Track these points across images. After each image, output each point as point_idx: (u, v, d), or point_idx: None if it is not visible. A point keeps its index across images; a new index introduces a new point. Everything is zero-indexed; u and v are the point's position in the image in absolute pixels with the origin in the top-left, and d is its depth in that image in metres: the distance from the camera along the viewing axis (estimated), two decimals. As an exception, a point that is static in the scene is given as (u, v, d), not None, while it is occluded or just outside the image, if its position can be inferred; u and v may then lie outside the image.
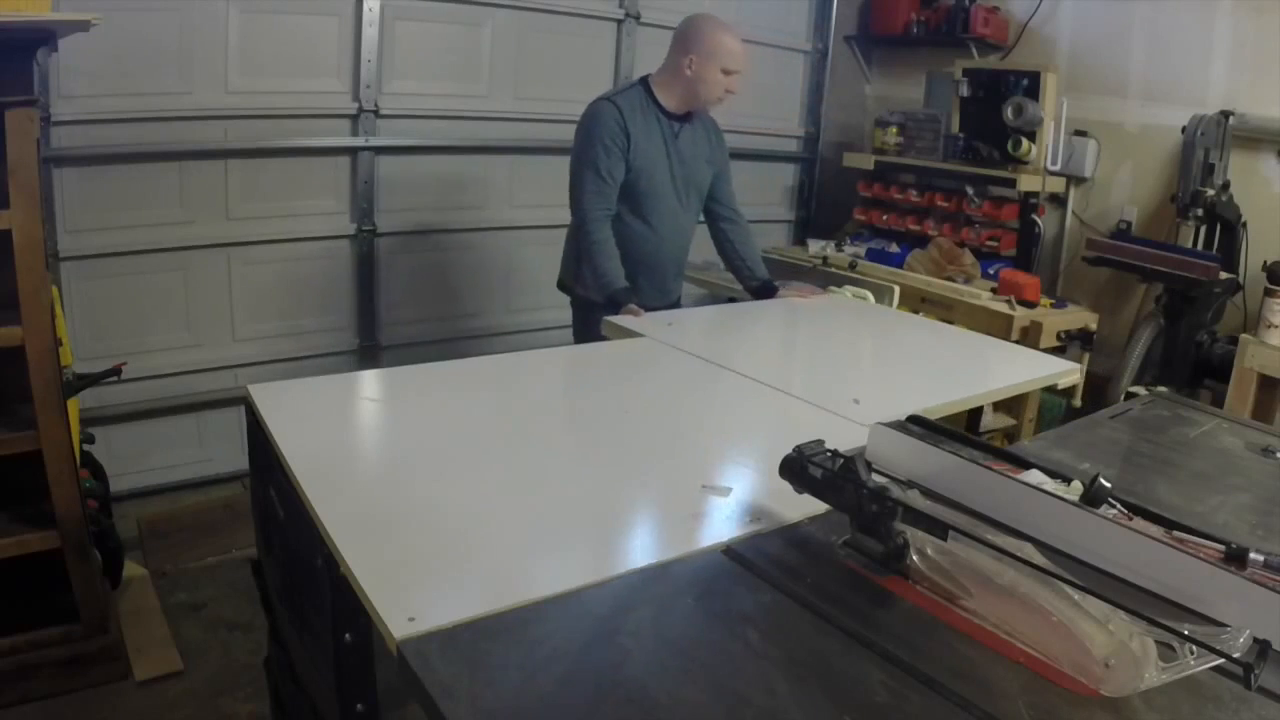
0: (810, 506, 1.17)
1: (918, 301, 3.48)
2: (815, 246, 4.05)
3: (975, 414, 2.42)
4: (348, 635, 1.09)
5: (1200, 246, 3.34)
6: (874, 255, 3.98)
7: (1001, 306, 3.35)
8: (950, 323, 3.15)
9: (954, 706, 0.85)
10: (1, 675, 2.03)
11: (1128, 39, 3.73)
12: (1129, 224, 3.75)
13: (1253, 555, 1.06)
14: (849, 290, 3.10)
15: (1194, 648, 0.83)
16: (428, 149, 3.53)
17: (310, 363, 3.40)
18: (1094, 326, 3.44)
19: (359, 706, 1.13)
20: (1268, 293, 2.92)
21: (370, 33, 3.24)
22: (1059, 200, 3.99)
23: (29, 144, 1.86)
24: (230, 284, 3.22)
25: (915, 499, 1.07)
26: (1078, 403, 3.24)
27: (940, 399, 1.82)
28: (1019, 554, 0.95)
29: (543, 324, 3.73)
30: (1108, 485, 1.16)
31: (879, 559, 1.04)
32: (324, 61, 3.23)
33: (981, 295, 3.44)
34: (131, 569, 2.60)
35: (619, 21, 3.88)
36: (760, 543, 1.14)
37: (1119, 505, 1.17)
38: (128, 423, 3.09)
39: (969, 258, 3.72)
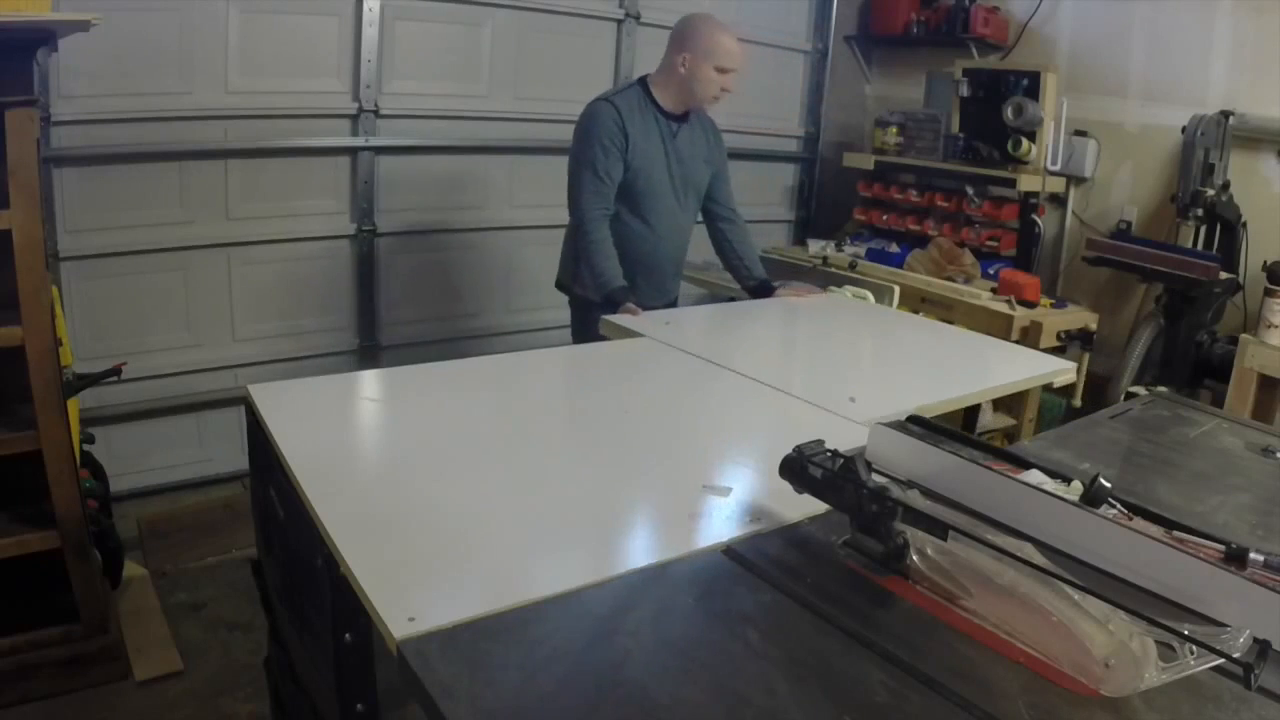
0: (810, 506, 1.16)
1: (918, 301, 3.48)
2: (815, 246, 4.05)
3: (972, 413, 2.42)
4: (348, 635, 1.09)
5: (1200, 246, 3.34)
6: (874, 255, 3.98)
7: (1001, 306, 3.35)
8: (950, 323, 3.15)
9: (954, 706, 0.85)
10: (1, 675, 2.03)
11: (1128, 39, 3.73)
12: (1129, 224, 3.75)
13: (1253, 555, 1.06)
14: (849, 290, 3.10)
15: (1194, 648, 0.83)
16: (428, 149, 3.54)
17: (310, 363, 3.40)
18: (1094, 326, 3.44)
19: (359, 706, 1.13)
20: (1268, 293, 2.92)
21: (370, 33, 3.24)
22: (1059, 200, 3.99)
23: (29, 144, 1.86)
24: (230, 284, 3.22)
25: (915, 499, 1.07)
26: (1078, 403, 3.24)
27: (935, 397, 1.82)
28: (1019, 554, 0.95)
29: (543, 324, 3.73)
30: (1108, 485, 1.16)
31: (879, 559, 1.04)
32: (324, 61, 3.23)
33: (981, 295, 3.44)
34: (131, 569, 2.60)
35: (619, 21, 3.88)
36: (760, 543, 1.14)
37: (1119, 505, 1.17)
38: (128, 423, 3.09)
39: (969, 258, 3.72)
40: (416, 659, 0.86)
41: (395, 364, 2.14)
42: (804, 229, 4.78)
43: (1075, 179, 3.91)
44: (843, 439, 1.21)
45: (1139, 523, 1.11)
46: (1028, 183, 3.79)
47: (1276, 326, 2.90)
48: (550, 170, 3.40)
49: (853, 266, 3.72)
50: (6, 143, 1.83)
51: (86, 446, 2.57)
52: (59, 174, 2.80)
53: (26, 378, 1.94)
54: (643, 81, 2.58)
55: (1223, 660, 0.81)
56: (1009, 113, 3.75)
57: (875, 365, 2.33)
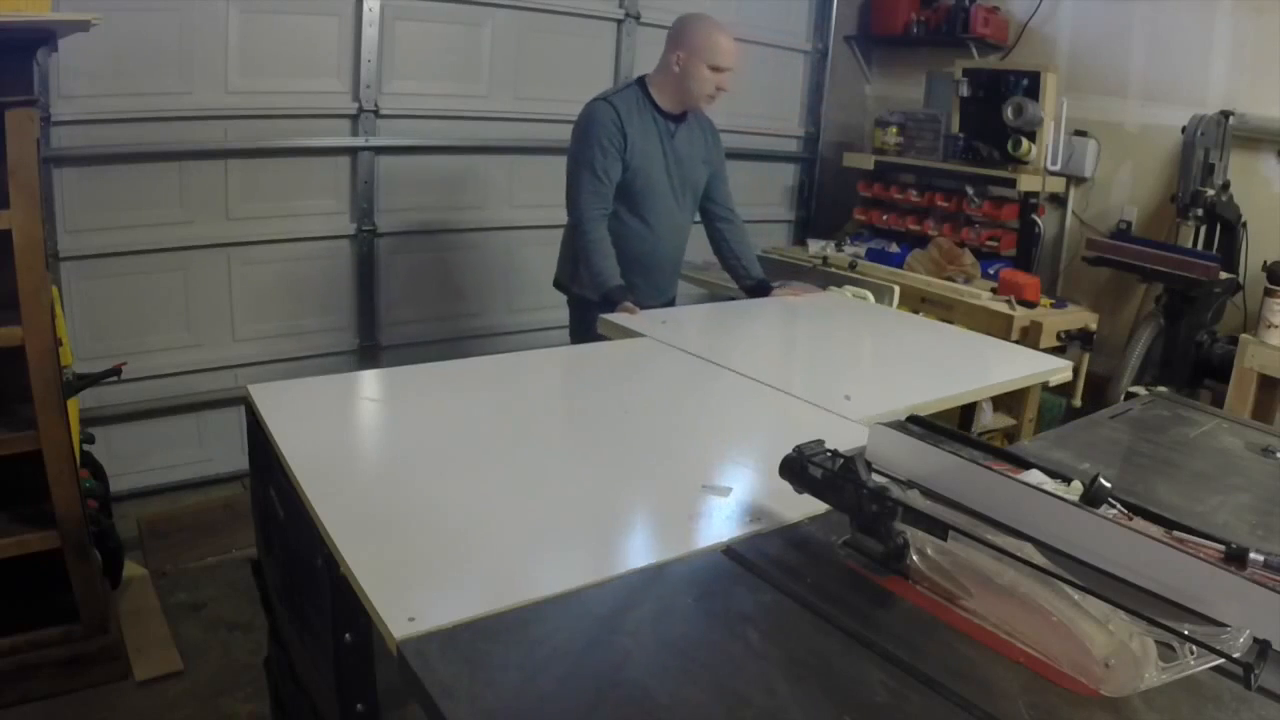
0: (810, 506, 1.16)
1: (918, 301, 3.48)
2: (815, 246, 4.05)
3: (968, 412, 2.43)
4: (348, 635, 1.09)
5: (1200, 246, 3.34)
6: (874, 255, 3.98)
7: (1001, 306, 3.35)
8: (950, 323, 3.15)
9: (954, 706, 0.85)
10: (1, 675, 2.03)
11: (1128, 39, 3.73)
12: (1129, 224, 3.75)
13: (1253, 555, 1.06)
14: (849, 290, 3.10)
15: (1194, 648, 0.83)
16: (428, 149, 3.53)
17: (310, 363, 3.40)
18: (1094, 326, 3.44)
19: (359, 706, 1.13)
20: (1268, 293, 2.92)
21: (370, 33, 3.24)
22: (1059, 200, 3.99)
23: (29, 144, 1.86)
24: (230, 284, 3.22)
25: (915, 499, 1.07)
26: (1078, 403, 3.24)
27: (930, 395, 1.83)
28: (1019, 554, 0.95)
29: (543, 324, 3.73)
30: (1108, 485, 1.16)
31: (879, 559, 1.04)
32: (324, 61, 3.23)
33: (981, 295, 3.44)
34: (131, 569, 2.60)
35: (619, 21, 3.88)
36: (760, 543, 1.14)
37: (1119, 505, 1.17)
38: (128, 423, 3.09)
39: (969, 258, 3.72)
40: (416, 659, 0.86)
41: (395, 364, 2.14)
42: (804, 229, 4.78)
43: (1075, 179, 3.91)
44: (842, 439, 1.21)
45: (1139, 523, 1.11)
46: (1028, 183, 3.79)
47: (1276, 326, 2.90)
48: (550, 170, 3.40)
49: (853, 266, 3.72)
50: (6, 143, 1.83)
51: (86, 446, 2.57)
52: (59, 174, 2.80)
53: (26, 378, 1.94)
54: (641, 81, 2.58)
55: (1223, 660, 0.81)
56: (1009, 113, 3.75)
57: (872, 364, 2.33)
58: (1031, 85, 3.77)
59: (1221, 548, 1.08)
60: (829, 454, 1.13)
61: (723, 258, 2.84)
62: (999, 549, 0.96)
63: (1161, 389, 2.15)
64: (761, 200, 4.64)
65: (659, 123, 2.55)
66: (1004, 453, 1.43)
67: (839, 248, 4.08)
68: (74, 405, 2.29)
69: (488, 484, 1.28)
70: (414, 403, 1.64)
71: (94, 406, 2.91)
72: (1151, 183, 3.72)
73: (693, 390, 1.84)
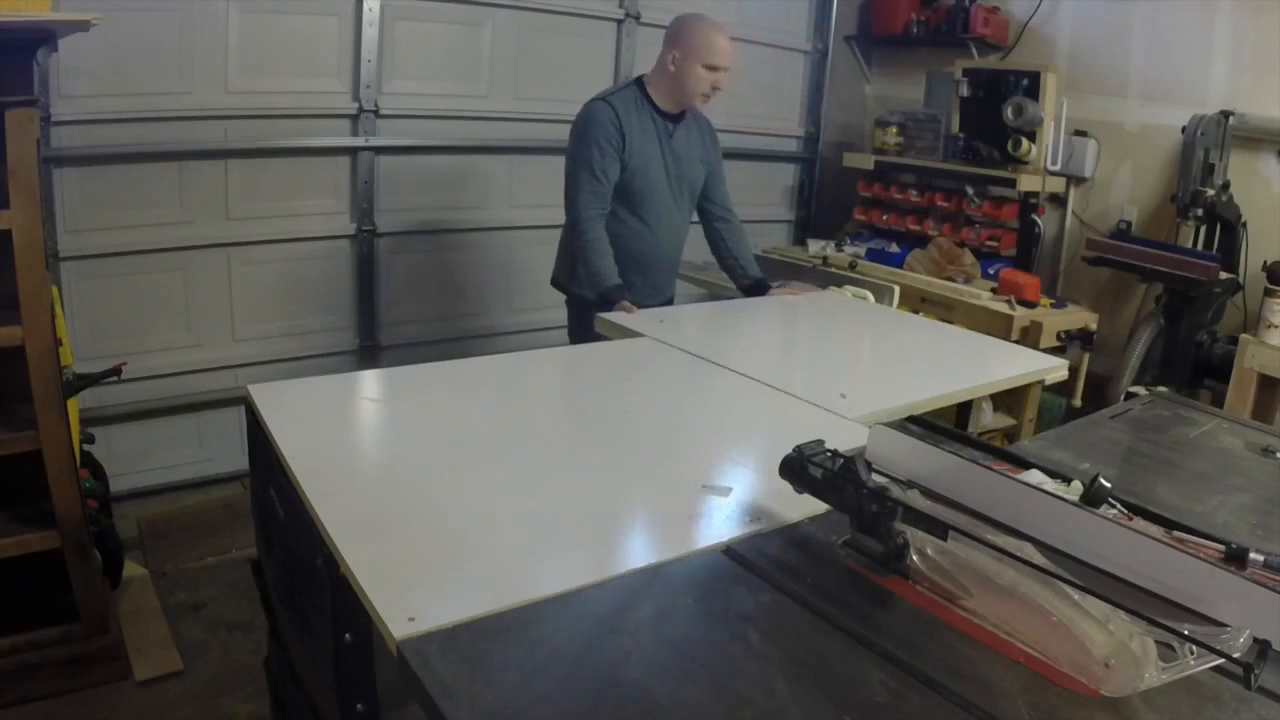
0: (810, 506, 1.16)
1: (918, 301, 3.48)
2: (815, 246, 4.05)
3: (965, 410, 2.42)
4: (348, 635, 1.09)
5: (1200, 246, 3.34)
6: (874, 255, 3.98)
7: (1001, 306, 3.35)
8: (950, 323, 3.15)
9: (954, 706, 0.85)
10: (1, 675, 2.03)
11: (1128, 39, 3.73)
12: (1129, 224, 3.75)
13: (1253, 555, 1.06)
14: (849, 290, 3.10)
15: (1194, 648, 0.83)
16: (428, 149, 3.53)
17: (310, 363, 3.40)
18: (1094, 326, 3.44)
19: (359, 706, 1.13)
20: (1268, 293, 2.93)
21: (370, 33, 3.24)
22: (1059, 200, 3.99)
23: (29, 144, 1.86)
24: (230, 284, 3.22)
25: (915, 499, 1.07)
26: (1078, 403, 3.24)
27: (926, 394, 1.84)
28: (1019, 554, 0.95)
29: (543, 324, 3.73)
30: (1108, 485, 1.16)
31: (879, 559, 1.04)
32: (324, 61, 3.23)
33: (981, 295, 3.44)
34: (131, 569, 2.60)
35: (619, 21, 3.88)
36: (760, 543, 1.14)
37: (1119, 505, 1.17)
38: (128, 423, 3.09)
39: (969, 258, 3.72)
40: (416, 659, 0.86)
41: (395, 364, 2.14)
42: (804, 229, 4.79)
43: (1075, 179, 3.91)
44: (842, 438, 1.21)
45: (1139, 523, 1.11)
46: (1028, 183, 3.79)
47: (1276, 326, 2.90)
48: (550, 170, 3.40)
49: (853, 266, 3.72)
50: (6, 143, 1.83)
51: (86, 446, 2.57)
52: (59, 174, 2.80)
53: (26, 378, 1.94)
54: (639, 81, 2.58)
55: (1223, 660, 0.81)
56: (1009, 113, 3.75)
57: (872, 364, 2.32)
58: (1031, 85, 3.77)
59: (1221, 548, 1.09)
60: (829, 454, 1.13)
61: (720, 257, 2.85)
62: (999, 549, 0.96)
63: (1161, 389, 2.15)
64: (761, 200, 4.64)
65: (657, 123, 2.56)
66: (1004, 453, 1.43)
67: (839, 248, 4.08)
68: (74, 405, 2.29)
69: (488, 484, 1.28)
70: (414, 403, 1.64)
71: (94, 406, 2.91)
72: (1151, 183, 3.72)
73: (692, 390, 1.84)
